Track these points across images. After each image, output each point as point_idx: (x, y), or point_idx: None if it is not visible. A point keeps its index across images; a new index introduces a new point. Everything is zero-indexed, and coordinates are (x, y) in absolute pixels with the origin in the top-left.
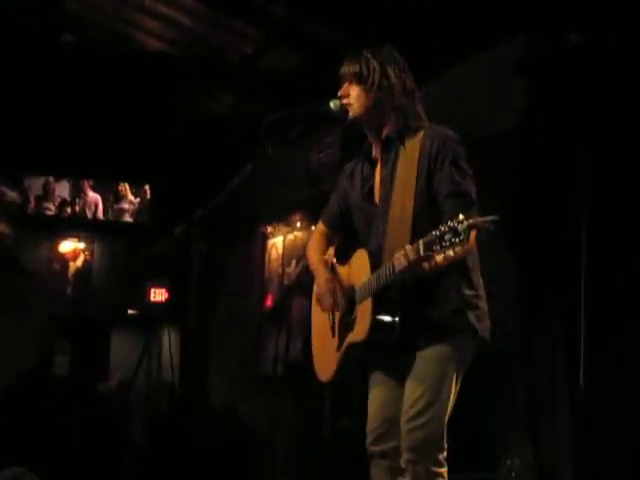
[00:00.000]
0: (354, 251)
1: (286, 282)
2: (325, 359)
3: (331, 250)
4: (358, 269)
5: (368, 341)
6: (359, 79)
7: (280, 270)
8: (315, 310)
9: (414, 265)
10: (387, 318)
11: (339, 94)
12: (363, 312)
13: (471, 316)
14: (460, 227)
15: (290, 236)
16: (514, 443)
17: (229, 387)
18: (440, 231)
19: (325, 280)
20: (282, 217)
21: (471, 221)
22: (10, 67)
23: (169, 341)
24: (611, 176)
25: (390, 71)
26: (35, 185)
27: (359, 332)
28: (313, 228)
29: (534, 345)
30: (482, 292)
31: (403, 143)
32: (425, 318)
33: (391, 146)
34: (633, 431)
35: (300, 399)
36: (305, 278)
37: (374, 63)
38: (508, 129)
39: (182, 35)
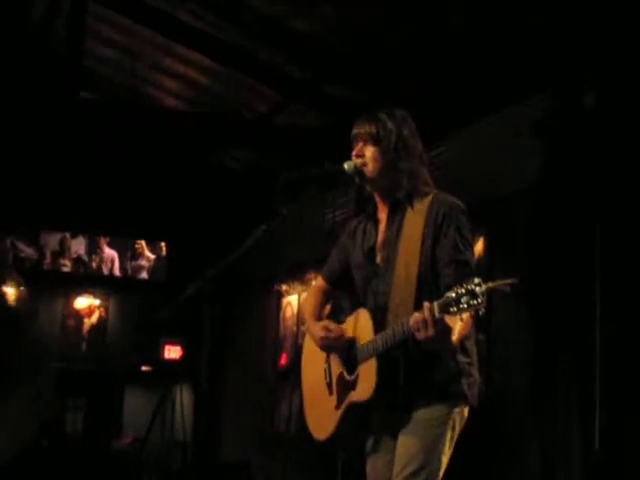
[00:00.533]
0: (352, 309)
1: (301, 341)
2: (321, 418)
3: (327, 308)
4: (361, 329)
5: (373, 401)
6: (375, 140)
7: (295, 328)
8: (306, 367)
9: (428, 328)
10: (393, 378)
11: (354, 153)
12: (367, 371)
13: (464, 383)
14: (478, 289)
15: (305, 294)
16: None
17: (242, 445)
18: (457, 293)
19: (320, 327)
20: (297, 275)
21: (490, 284)
22: (28, 124)
23: (180, 398)
24: (627, 238)
25: (407, 134)
26: (51, 241)
27: (363, 391)
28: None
29: (548, 408)
30: (475, 359)
31: (412, 206)
32: (425, 381)
33: (398, 208)
34: None
35: (313, 458)
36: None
37: (391, 125)
38: (524, 190)
39: (199, 93)
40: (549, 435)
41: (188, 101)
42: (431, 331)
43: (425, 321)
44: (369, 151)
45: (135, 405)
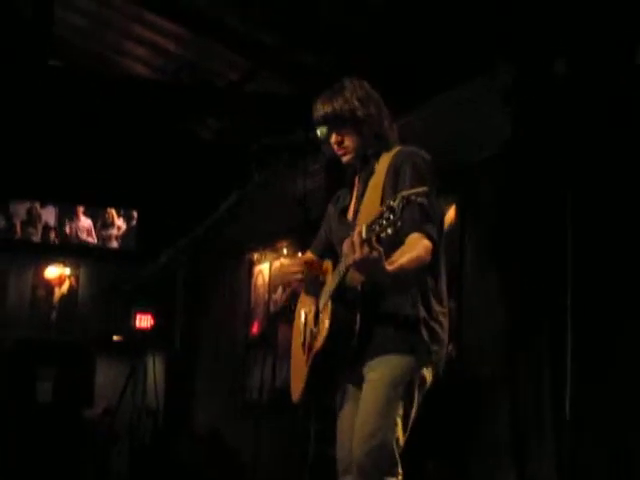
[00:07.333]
0: None
1: (272, 309)
2: (297, 377)
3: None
4: (327, 280)
5: (330, 344)
6: (341, 124)
7: (266, 297)
8: (294, 333)
9: (355, 250)
10: (347, 317)
11: (334, 147)
12: (324, 317)
13: (425, 335)
14: (394, 203)
15: (277, 263)
16: (498, 468)
17: (214, 414)
18: (379, 211)
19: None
20: (269, 244)
21: (404, 192)
22: None
23: (153, 367)
24: (597, 204)
25: (363, 101)
26: (21, 211)
27: (320, 337)
28: (300, 255)
29: (520, 373)
30: (439, 316)
31: (378, 162)
32: (381, 326)
33: (367, 166)
34: (618, 459)
35: (286, 426)
36: (292, 305)
37: (349, 101)
38: (495, 157)
39: (169, 61)
40: (520, 403)
41: (158, 69)
42: (358, 252)
43: (353, 243)
44: (342, 136)
45: (106, 375)
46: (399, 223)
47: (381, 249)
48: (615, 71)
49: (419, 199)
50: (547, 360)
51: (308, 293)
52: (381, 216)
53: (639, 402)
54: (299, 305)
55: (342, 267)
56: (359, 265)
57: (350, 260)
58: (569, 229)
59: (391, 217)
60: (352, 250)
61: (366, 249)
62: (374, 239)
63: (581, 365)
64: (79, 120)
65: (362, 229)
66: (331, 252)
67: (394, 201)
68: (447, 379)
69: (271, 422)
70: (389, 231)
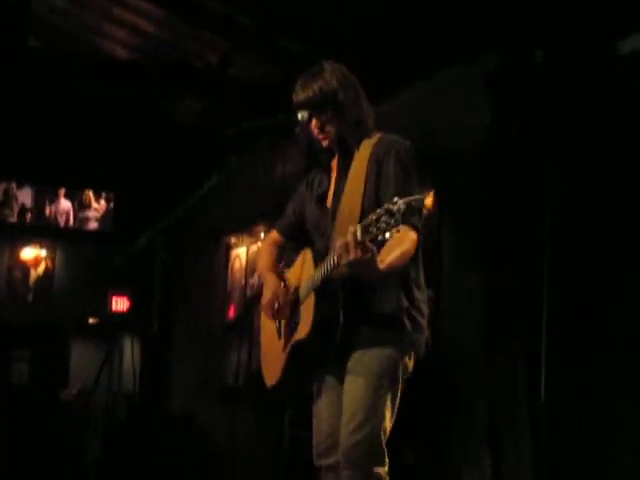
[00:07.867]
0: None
1: (249, 293)
2: (271, 362)
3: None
4: (302, 268)
5: (312, 337)
6: (322, 108)
7: (243, 281)
8: (263, 316)
9: (350, 251)
10: (330, 311)
11: (316, 134)
12: (307, 308)
13: (408, 326)
14: (394, 207)
15: (254, 247)
16: (475, 459)
17: (190, 397)
18: (377, 214)
19: (271, 288)
20: (246, 228)
21: (405, 199)
22: None
23: (132, 350)
24: (576, 190)
25: (344, 87)
26: None
27: (303, 329)
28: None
29: (496, 361)
30: (420, 304)
31: (358, 148)
32: (366, 317)
33: (347, 153)
34: (593, 446)
35: (261, 410)
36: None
37: (329, 85)
38: (475, 144)
39: (147, 43)
40: (497, 389)
41: (137, 51)
42: (353, 254)
43: (347, 244)
44: (321, 121)
45: (82, 357)
46: (399, 227)
47: (375, 250)
48: (597, 61)
49: (418, 204)
50: (523, 353)
51: (277, 278)
52: (378, 219)
53: (613, 399)
54: (266, 290)
55: (330, 262)
56: (353, 266)
57: (344, 260)
58: (547, 218)
59: (391, 222)
60: (346, 251)
61: (359, 252)
62: (367, 240)
63: (555, 352)
64: (57, 101)
65: (357, 230)
66: (299, 233)
67: (394, 205)
68: (424, 369)
69: (247, 406)
70: (387, 235)
